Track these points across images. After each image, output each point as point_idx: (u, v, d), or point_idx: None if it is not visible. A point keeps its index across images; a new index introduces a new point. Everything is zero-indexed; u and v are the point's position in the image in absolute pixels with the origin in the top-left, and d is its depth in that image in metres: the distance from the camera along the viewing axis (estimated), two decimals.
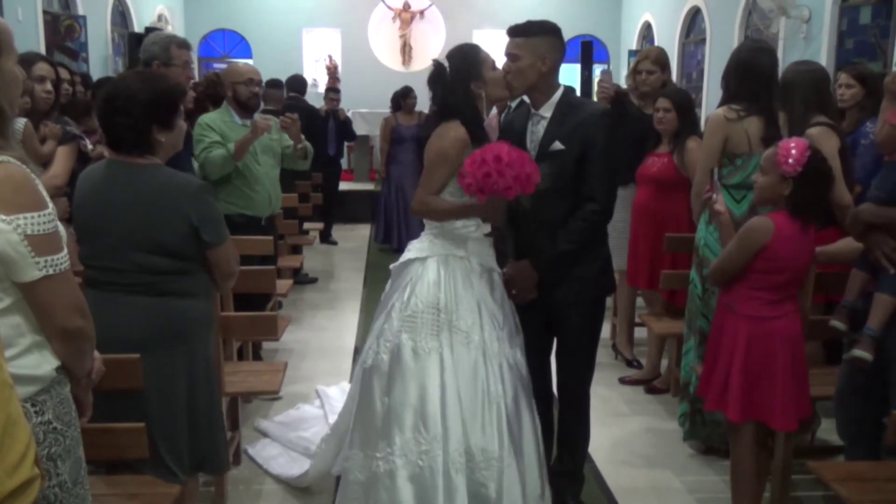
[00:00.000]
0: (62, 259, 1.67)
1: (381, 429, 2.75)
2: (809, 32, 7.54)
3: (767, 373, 2.78)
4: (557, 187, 2.84)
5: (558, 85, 2.93)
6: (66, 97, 4.57)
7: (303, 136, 4.45)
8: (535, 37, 2.82)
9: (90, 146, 4.12)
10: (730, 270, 2.84)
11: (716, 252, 3.43)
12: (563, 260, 2.87)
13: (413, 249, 2.92)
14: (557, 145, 2.83)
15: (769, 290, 2.78)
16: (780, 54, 8.04)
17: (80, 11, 8.63)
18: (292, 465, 3.55)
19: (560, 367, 3.12)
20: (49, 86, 3.67)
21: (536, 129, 2.91)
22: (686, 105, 4.35)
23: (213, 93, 4.89)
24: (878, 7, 6.66)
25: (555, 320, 3.03)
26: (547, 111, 2.89)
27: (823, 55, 7.26)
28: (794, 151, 2.67)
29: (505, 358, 2.79)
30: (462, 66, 2.89)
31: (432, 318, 2.77)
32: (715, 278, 3.00)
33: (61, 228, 1.70)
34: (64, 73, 4.65)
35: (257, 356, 4.67)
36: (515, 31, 2.85)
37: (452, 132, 2.83)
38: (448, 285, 2.80)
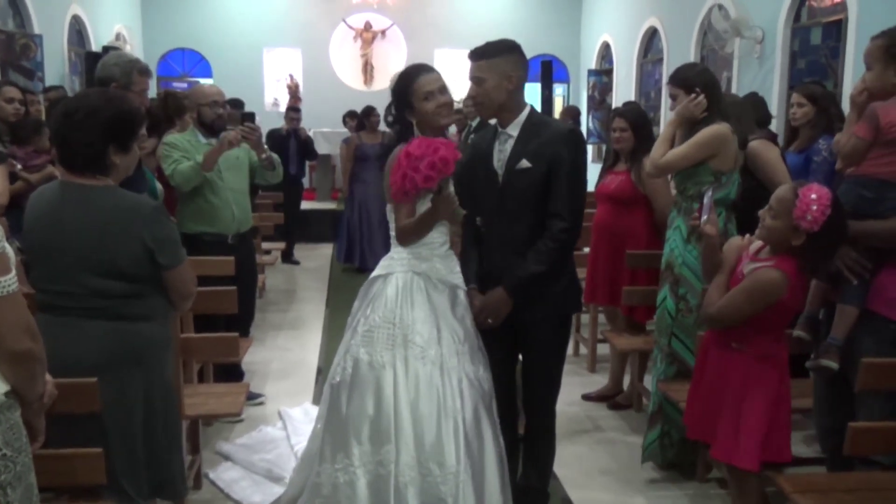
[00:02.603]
0: (10, 281, 1.63)
1: (340, 440, 2.76)
2: (763, 52, 7.71)
3: (779, 409, 2.71)
4: (524, 205, 2.85)
5: (525, 103, 2.93)
6: (17, 116, 4.54)
7: (266, 146, 4.41)
8: (497, 57, 2.81)
9: (18, 166, 4.13)
10: (737, 319, 2.69)
11: (696, 272, 3.43)
12: (535, 281, 2.85)
13: (379, 267, 2.95)
14: (525, 163, 2.82)
15: (775, 330, 2.73)
16: (734, 74, 8.24)
17: (36, 30, 8.50)
18: (255, 489, 3.51)
19: (526, 384, 3.11)
20: None
21: (504, 148, 2.89)
22: (641, 123, 4.40)
23: (163, 113, 4.87)
24: (829, 28, 6.84)
25: (521, 338, 3.02)
26: (514, 129, 2.88)
27: (777, 74, 7.44)
28: (814, 207, 2.50)
29: (465, 373, 2.77)
30: (398, 93, 2.89)
31: (388, 333, 2.79)
32: (716, 324, 2.79)
33: (9, 250, 1.66)
34: (16, 93, 4.63)
35: (237, 374, 4.63)
36: (477, 55, 2.83)
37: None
38: (405, 300, 2.81)
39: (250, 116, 4.29)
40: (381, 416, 2.71)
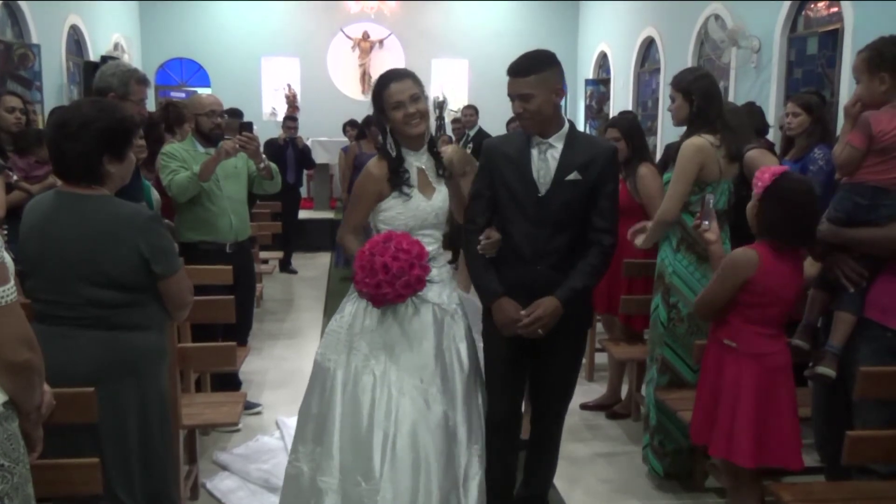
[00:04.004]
0: (8, 291, 1.63)
1: (294, 434, 2.91)
2: (759, 62, 7.74)
3: (776, 412, 2.74)
4: (568, 217, 2.80)
5: (563, 115, 2.91)
6: (19, 126, 4.54)
7: (264, 156, 4.42)
8: (545, 71, 2.73)
9: (14, 177, 4.13)
10: (714, 304, 2.81)
11: (686, 281, 3.46)
12: (582, 295, 2.85)
13: None
14: (575, 175, 2.76)
15: (764, 323, 2.76)
16: (731, 83, 8.26)
17: (34, 40, 8.50)
18: (252, 499, 3.51)
19: (539, 396, 3.07)
20: None
21: (545, 158, 2.80)
22: (634, 132, 4.40)
23: (164, 123, 4.88)
24: (825, 38, 6.87)
25: (542, 350, 2.92)
26: (558, 141, 2.80)
27: (773, 84, 7.46)
28: (766, 176, 2.71)
29: (407, 389, 2.74)
30: (373, 100, 2.88)
31: (338, 337, 2.85)
32: (700, 311, 2.97)
33: (8, 259, 1.66)
34: (17, 102, 4.64)
35: (234, 383, 4.62)
36: (524, 71, 2.73)
37: (369, 167, 2.89)
38: (360, 308, 2.83)
39: (248, 126, 4.30)
40: (319, 417, 2.80)
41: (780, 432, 2.74)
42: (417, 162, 2.89)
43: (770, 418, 2.74)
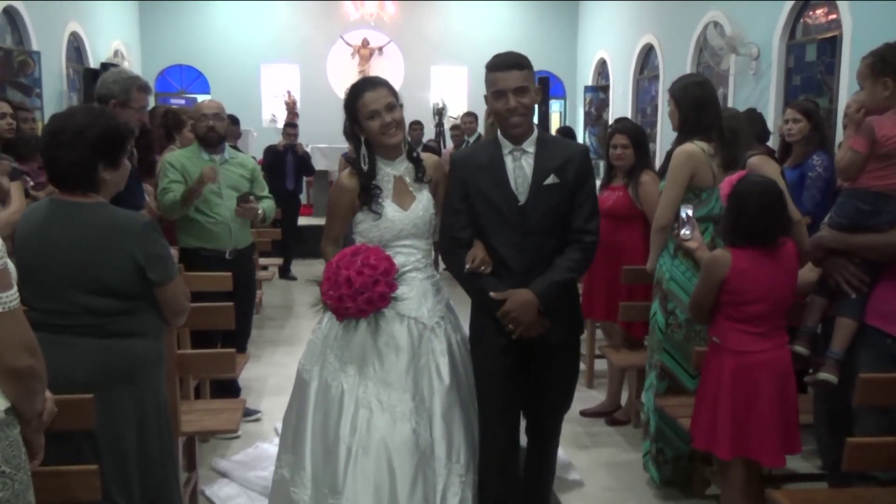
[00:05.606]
0: (12, 297, 1.63)
1: (280, 441, 2.95)
2: (758, 69, 7.76)
3: (754, 408, 2.77)
4: (553, 221, 2.74)
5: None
6: (12, 132, 4.55)
7: (259, 209, 4.35)
8: (529, 67, 2.69)
9: (31, 183, 4.14)
10: (700, 305, 2.91)
11: (684, 287, 3.47)
12: (562, 288, 2.75)
13: None
14: (553, 178, 2.71)
15: (747, 321, 2.80)
16: (730, 90, 8.28)
17: (35, 47, 8.53)
18: None
19: (536, 404, 3.02)
20: None
21: (520, 164, 2.73)
22: (641, 140, 4.44)
23: (164, 130, 4.92)
24: (824, 45, 6.89)
25: (540, 360, 2.85)
26: (530, 146, 2.74)
27: (772, 91, 7.48)
28: (732, 181, 2.83)
29: (375, 404, 2.71)
30: (346, 110, 2.83)
31: (314, 348, 2.87)
32: (692, 313, 3.08)
33: (11, 266, 1.66)
34: (7, 108, 4.64)
35: (234, 390, 4.62)
36: (519, 64, 2.65)
37: (340, 179, 2.88)
38: (335, 322, 2.81)
39: (245, 197, 4.29)
40: (296, 428, 2.82)
41: (758, 427, 2.77)
42: (394, 171, 2.85)
43: (747, 413, 2.78)
